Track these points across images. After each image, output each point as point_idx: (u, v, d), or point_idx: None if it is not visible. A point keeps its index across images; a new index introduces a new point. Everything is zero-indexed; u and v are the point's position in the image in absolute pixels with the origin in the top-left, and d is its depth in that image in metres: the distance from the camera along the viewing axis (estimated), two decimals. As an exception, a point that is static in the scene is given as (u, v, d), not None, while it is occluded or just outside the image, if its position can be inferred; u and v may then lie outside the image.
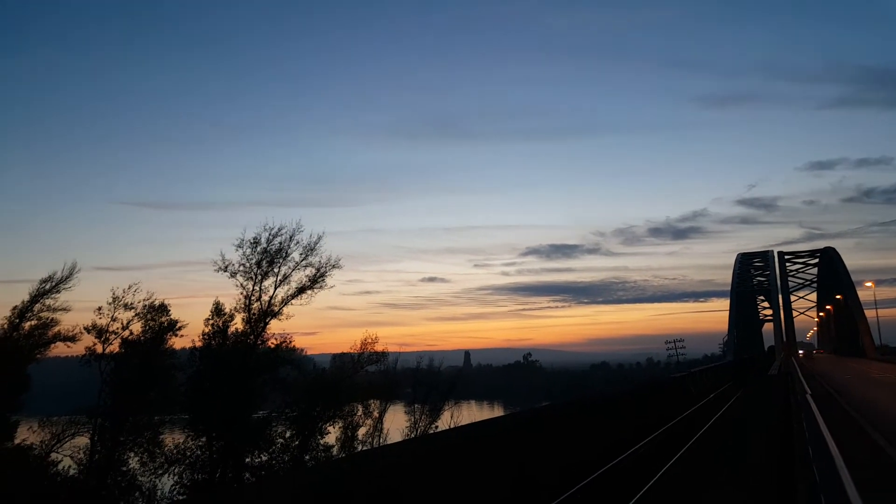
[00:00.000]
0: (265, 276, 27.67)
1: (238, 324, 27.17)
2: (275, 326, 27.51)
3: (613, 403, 26.76)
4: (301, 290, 28.17)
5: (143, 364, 25.12)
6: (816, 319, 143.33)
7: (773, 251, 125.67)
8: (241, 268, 27.48)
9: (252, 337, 27.02)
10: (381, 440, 30.52)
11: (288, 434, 27.12)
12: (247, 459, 25.89)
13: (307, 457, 26.78)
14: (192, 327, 27.21)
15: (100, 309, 25.33)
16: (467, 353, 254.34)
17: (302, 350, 31.51)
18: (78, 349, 25.49)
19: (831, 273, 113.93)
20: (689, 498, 14.24)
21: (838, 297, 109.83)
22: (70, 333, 25.61)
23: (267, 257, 27.79)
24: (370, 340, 30.84)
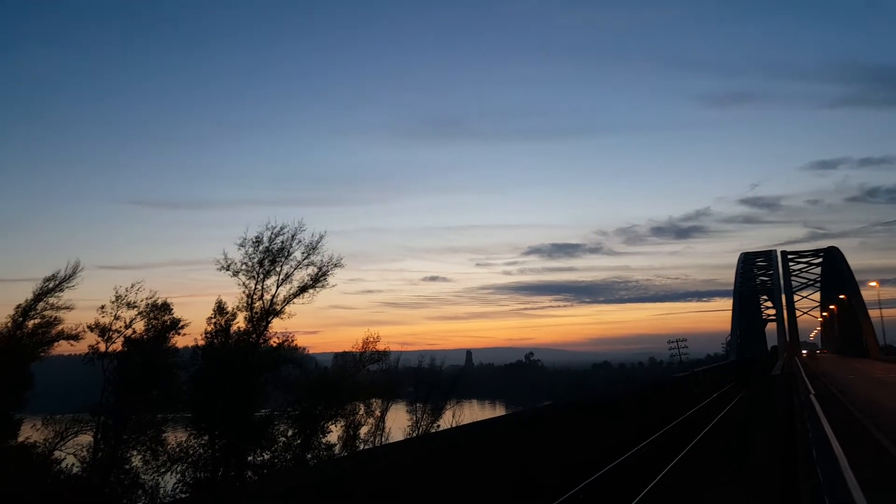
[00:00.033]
0: (267, 274, 27.71)
1: (240, 322, 27.22)
2: (277, 325, 27.56)
3: (615, 403, 26.71)
4: (303, 289, 28.19)
5: (146, 362, 25.17)
6: (820, 319, 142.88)
7: (776, 251, 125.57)
8: (244, 266, 27.52)
9: (254, 335, 27.06)
10: (382, 439, 30.51)
11: (290, 433, 27.14)
12: (249, 458, 25.93)
13: (309, 455, 26.81)
14: (194, 326, 27.26)
15: (103, 307, 25.39)
16: (469, 353, 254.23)
17: (304, 349, 31.63)
18: (81, 347, 25.58)
19: (835, 273, 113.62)
20: (691, 498, 14.21)
21: (842, 296, 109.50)
22: (73, 332, 25.70)
23: (269, 256, 27.82)
24: (372, 339, 30.85)
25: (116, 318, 25.33)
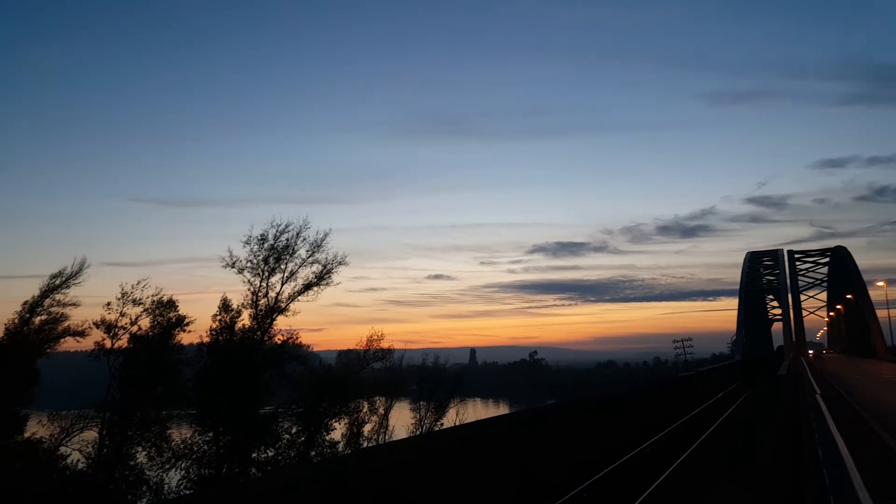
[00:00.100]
0: (272, 272, 27.81)
1: (245, 320, 27.35)
2: (281, 322, 27.68)
3: (620, 402, 26.62)
4: (308, 287, 28.28)
5: (151, 359, 25.29)
6: (826, 319, 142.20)
7: (782, 250, 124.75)
8: (249, 264, 27.65)
9: (259, 333, 27.14)
10: (386, 437, 30.56)
11: (294, 430, 27.24)
12: (253, 455, 26.04)
13: (313, 453, 26.89)
14: (199, 323, 27.43)
15: (108, 304, 25.56)
16: (473, 351, 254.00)
17: (308, 346, 31.72)
18: (87, 344, 25.76)
19: (842, 272, 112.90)
20: (695, 498, 14.16)
21: (849, 296, 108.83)
22: (79, 328, 25.89)
23: (274, 254, 27.92)
24: (376, 337, 30.96)
25: (122, 314, 25.51)
